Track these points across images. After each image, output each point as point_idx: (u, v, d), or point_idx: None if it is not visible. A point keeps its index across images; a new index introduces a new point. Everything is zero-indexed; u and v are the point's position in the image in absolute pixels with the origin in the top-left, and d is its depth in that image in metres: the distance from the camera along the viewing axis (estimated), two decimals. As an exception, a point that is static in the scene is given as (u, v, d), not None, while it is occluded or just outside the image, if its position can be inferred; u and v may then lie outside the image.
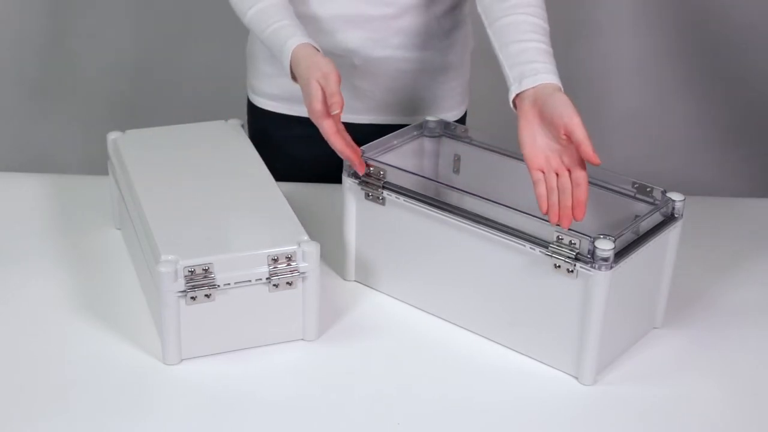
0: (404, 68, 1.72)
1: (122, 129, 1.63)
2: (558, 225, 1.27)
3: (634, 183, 1.41)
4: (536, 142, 1.31)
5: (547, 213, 1.28)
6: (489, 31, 1.44)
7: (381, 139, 1.52)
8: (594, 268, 1.25)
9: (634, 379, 1.34)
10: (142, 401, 1.27)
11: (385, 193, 1.44)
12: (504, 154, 1.53)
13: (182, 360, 1.34)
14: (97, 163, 1.88)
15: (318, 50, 1.45)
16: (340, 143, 1.41)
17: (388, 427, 1.24)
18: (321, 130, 1.42)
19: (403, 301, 1.49)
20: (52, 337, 1.38)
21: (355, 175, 1.46)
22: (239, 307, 1.33)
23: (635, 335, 1.42)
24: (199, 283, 1.30)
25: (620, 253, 1.27)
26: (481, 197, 1.35)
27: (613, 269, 1.25)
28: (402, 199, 1.42)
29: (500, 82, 1.40)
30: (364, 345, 1.39)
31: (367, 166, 1.44)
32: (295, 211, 1.41)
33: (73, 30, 2.85)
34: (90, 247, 1.60)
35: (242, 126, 1.66)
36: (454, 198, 1.39)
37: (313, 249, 1.34)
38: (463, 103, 1.81)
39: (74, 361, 1.33)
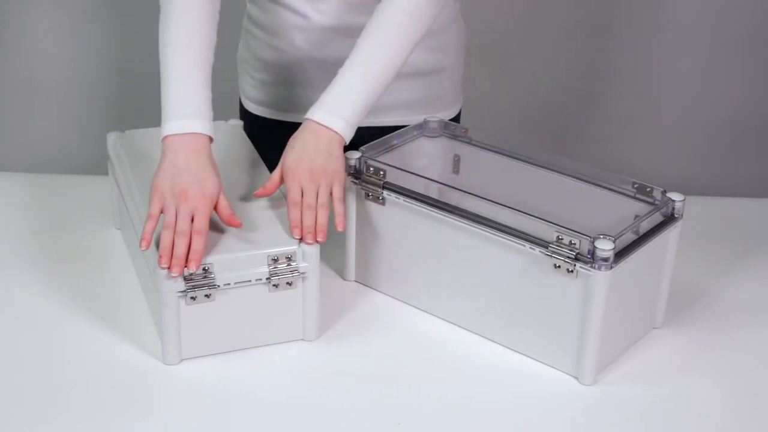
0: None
1: (122, 129, 1.63)
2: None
3: (634, 183, 1.41)
4: None
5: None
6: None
7: (381, 139, 1.52)
8: (594, 268, 1.25)
9: (634, 379, 1.34)
10: (142, 401, 1.27)
11: (385, 193, 1.44)
12: (504, 154, 1.53)
13: (182, 360, 1.33)
14: (97, 163, 1.88)
15: (211, 140, 1.39)
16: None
17: (388, 427, 1.24)
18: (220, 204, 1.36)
19: (402, 301, 1.49)
20: (52, 337, 1.38)
21: (355, 176, 1.46)
22: (239, 307, 1.33)
23: (635, 335, 1.42)
24: (199, 283, 1.30)
25: (620, 253, 1.27)
26: (480, 197, 1.35)
27: (613, 269, 1.25)
28: (402, 199, 1.42)
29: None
30: (364, 345, 1.39)
31: (367, 166, 1.45)
32: (295, 211, 1.41)
33: (73, 30, 2.85)
34: (90, 247, 1.60)
35: (242, 126, 1.66)
36: (454, 198, 1.39)
37: (313, 249, 1.34)
38: (457, 101, 1.81)
39: (74, 361, 1.33)
